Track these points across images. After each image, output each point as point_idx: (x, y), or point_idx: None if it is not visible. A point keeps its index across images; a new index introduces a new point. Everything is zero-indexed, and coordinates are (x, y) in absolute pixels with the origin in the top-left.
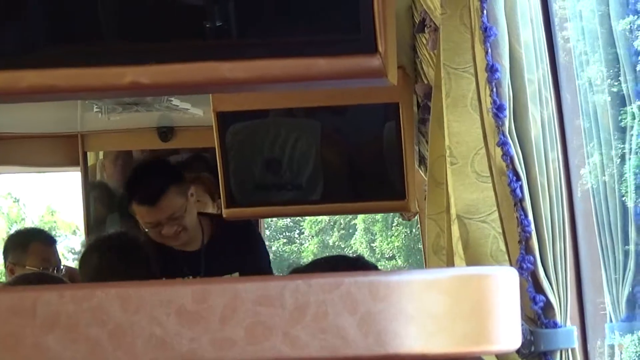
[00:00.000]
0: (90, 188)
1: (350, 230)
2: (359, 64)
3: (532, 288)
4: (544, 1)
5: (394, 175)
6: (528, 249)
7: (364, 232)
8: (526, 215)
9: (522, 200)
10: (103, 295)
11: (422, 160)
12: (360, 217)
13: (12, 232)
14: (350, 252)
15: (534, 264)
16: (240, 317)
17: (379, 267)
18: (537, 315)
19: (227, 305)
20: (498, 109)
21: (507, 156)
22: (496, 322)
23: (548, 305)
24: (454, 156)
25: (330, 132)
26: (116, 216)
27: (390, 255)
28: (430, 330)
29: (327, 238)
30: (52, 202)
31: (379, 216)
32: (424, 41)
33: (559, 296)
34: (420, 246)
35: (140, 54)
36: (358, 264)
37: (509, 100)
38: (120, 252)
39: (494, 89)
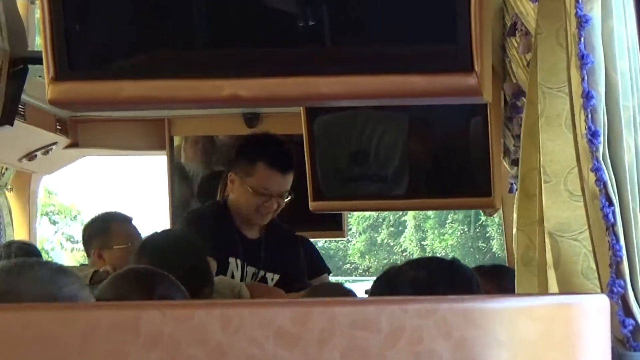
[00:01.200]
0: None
1: (400, 228)
2: (455, 82)
3: (621, 311)
4: None
5: (480, 171)
6: (619, 273)
7: (414, 229)
8: (618, 240)
9: (614, 225)
10: (204, 315)
11: (506, 152)
12: (411, 213)
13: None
14: (400, 250)
15: (625, 288)
16: (337, 340)
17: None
18: (627, 338)
19: (325, 328)
20: (593, 135)
21: (600, 181)
22: (587, 350)
23: (637, 329)
24: (547, 174)
25: (417, 125)
26: (197, 201)
27: (444, 254)
28: (522, 357)
29: (375, 235)
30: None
31: (431, 212)
32: (515, 43)
33: None
34: (481, 244)
35: (239, 67)
36: (453, 267)
37: (604, 126)
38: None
39: (589, 115)
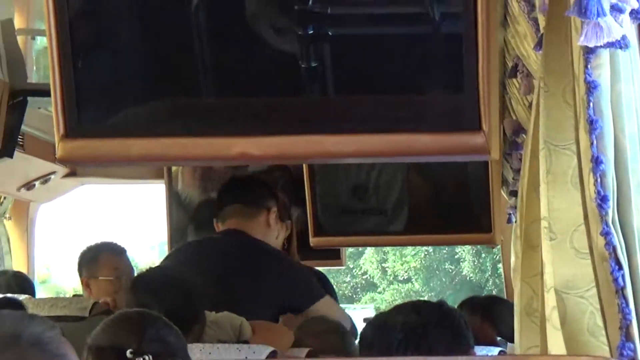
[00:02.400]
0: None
1: (360, 249)
2: (462, 142)
3: None
4: None
5: (480, 207)
6: (628, 336)
7: (374, 250)
8: (627, 304)
9: (623, 288)
10: None
11: (504, 182)
12: None
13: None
14: (360, 272)
15: (634, 351)
16: None
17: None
18: None
19: None
20: (602, 199)
21: (610, 245)
22: None
23: None
24: (553, 232)
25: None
26: (193, 228)
27: (406, 277)
28: None
29: None
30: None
31: None
32: (516, 84)
33: None
34: (448, 266)
35: (248, 125)
36: (442, 310)
37: (613, 190)
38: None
39: (599, 180)
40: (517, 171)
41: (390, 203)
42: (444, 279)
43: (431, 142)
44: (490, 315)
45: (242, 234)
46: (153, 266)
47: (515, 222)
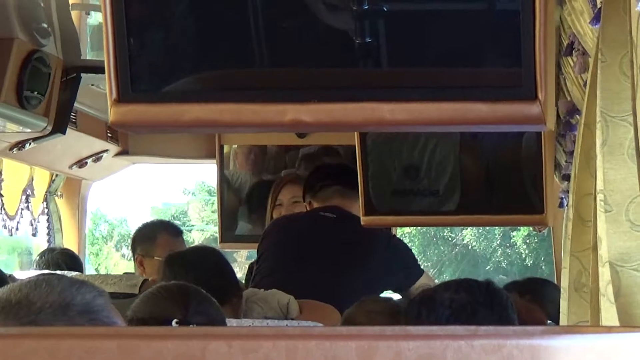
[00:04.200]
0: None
1: None
2: (518, 111)
3: None
4: None
5: (532, 188)
6: None
7: None
8: None
9: None
10: (270, 346)
11: (557, 167)
12: None
13: (140, 225)
14: None
15: None
16: None
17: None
18: None
19: None
20: None
21: None
22: None
23: None
24: (609, 204)
25: (470, 140)
26: (245, 209)
27: None
28: None
29: None
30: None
31: None
32: (570, 62)
33: None
34: (447, 233)
35: (302, 91)
36: (490, 289)
37: None
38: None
39: None
40: (570, 154)
41: (443, 184)
42: (442, 248)
43: (487, 111)
44: (538, 296)
45: (348, 212)
46: None
47: (567, 205)
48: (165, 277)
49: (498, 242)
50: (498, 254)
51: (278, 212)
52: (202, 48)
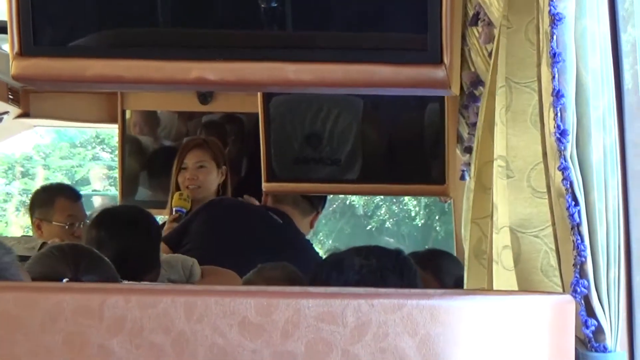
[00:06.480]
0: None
1: None
2: (423, 74)
3: (584, 312)
4: (613, 29)
5: (434, 158)
6: (582, 273)
7: None
8: (582, 240)
9: (579, 225)
10: (169, 302)
11: (459, 140)
12: None
13: (37, 188)
14: None
15: (588, 288)
16: (302, 332)
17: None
18: (588, 338)
19: (290, 319)
20: (561, 134)
21: (567, 181)
22: (551, 349)
23: (599, 330)
24: (511, 169)
25: (372, 110)
26: (145, 174)
27: None
28: (485, 355)
29: None
30: None
31: None
32: (476, 33)
33: (611, 321)
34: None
35: (207, 49)
36: (400, 258)
37: (573, 125)
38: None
39: (559, 114)
40: (473, 126)
41: (345, 152)
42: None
43: (392, 74)
44: (434, 267)
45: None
46: None
47: (469, 178)
48: (88, 238)
49: (381, 197)
50: (382, 212)
51: (183, 177)
52: (107, 3)
